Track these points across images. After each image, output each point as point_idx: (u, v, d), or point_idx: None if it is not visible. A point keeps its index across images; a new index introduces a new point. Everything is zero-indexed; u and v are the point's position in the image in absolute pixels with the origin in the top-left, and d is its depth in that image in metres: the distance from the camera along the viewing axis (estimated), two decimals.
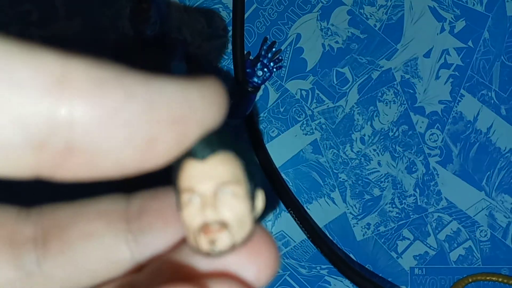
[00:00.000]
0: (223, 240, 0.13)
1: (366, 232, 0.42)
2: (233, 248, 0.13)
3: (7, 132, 0.10)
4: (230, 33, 0.42)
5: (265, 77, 0.42)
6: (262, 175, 0.41)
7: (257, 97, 0.42)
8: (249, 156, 0.14)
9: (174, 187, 0.14)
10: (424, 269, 0.42)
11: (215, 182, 0.13)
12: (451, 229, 0.42)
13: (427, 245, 0.42)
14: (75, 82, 0.10)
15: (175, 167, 0.13)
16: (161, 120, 0.11)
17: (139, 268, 0.15)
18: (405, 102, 0.42)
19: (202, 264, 0.13)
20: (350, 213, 0.42)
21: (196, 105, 0.12)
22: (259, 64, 0.41)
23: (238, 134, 0.42)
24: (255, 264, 0.13)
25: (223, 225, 0.13)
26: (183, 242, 0.14)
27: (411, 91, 0.42)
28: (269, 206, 0.42)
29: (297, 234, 0.42)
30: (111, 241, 0.14)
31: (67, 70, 0.10)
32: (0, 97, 0.10)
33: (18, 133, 0.10)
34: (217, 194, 0.13)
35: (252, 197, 0.14)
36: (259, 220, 0.14)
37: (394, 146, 0.42)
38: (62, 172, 0.11)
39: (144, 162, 0.11)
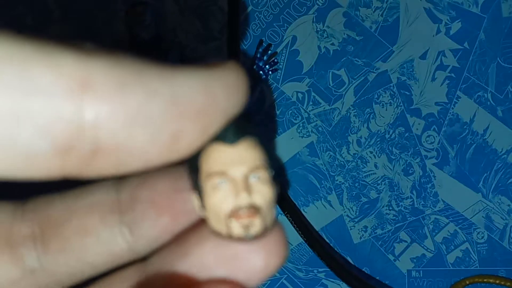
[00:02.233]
0: (257, 224, 0.13)
1: (363, 235, 0.42)
2: (265, 232, 0.13)
3: (32, 141, 0.10)
4: (226, 36, 0.42)
5: (260, 80, 0.41)
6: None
7: (253, 100, 0.42)
8: (266, 142, 0.14)
9: (194, 172, 0.13)
10: (421, 271, 0.42)
11: (248, 166, 0.13)
12: (448, 231, 0.42)
13: (424, 247, 0.42)
14: (96, 84, 0.10)
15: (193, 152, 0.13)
16: (185, 114, 0.11)
17: (140, 259, 0.14)
18: (401, 104, 0.42)
19: (200, 270, 0.13)
20: (347, 216, 0.42)
21: (219, 95, 0.11)
22: (254, 67, 0.41)
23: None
24: (263, 251, 0.13)
25: (256, 209, 0.13)
26: (178, 241, 0.14)
27: (407, 93, 0.42)
28: None
29: (294, 238, 0.42)
30: (106, 235, 0.14)
31: (88, 72, 0.10)
32: (23, 106, 0.09)
33: (44, 141, 0.10)
34: (247, 178, 0.13)
35: (274, 183, 0.14)
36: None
37: (390, 148, 0.42)
38: (88, 171, 0.11)
39: (169, 156, 0.11)
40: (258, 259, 0.13)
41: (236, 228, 0.13)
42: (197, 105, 0.11)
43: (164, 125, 0.11)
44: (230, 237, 0.13)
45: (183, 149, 0.11)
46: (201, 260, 0.13)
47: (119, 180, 0.15)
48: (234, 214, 0.13)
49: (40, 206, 0.14)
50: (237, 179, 0.13)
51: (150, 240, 0.14)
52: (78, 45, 0.10)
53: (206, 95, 0.11)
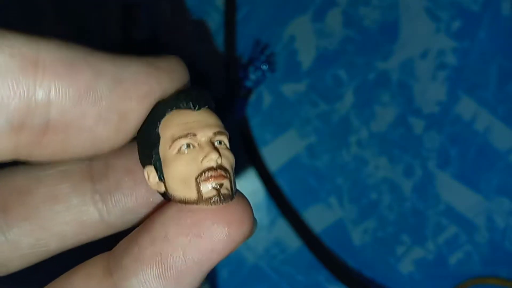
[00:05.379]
0: (227, 186, 0.13)
1: (363, 237, 0.42)
2: (232, 197, 0.13)
3: None
4: (223, 36, 0.41)
5: (258, 80, 0.41)
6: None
7: (251, 101, 0.42)
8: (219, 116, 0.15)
9: (148, 145, 0.13)
10: (423, 273, 0.41)
11: (213, 130, 0.13)
12: (450, 232, 0.41)
13: (426, 249, 0.42)
14: (48, 64, 0.11)
15: (150, 117, 0.13)
16: (131, 95, 0.12)
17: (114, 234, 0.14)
18: (401, 104, 0.42)
19: (163, 242, 0.13)
20: (347, 218, 0.42)
21: (161, 78, 0.12)
22: (252, 67, 0.40)
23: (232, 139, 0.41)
24: (226, 219, 0.13)
25: (226, 170, 0.13)
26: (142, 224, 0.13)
27: (408, 93, 0.42)
28: (266, 210, 0.42)
29: (294, 241, 0.41)
30: (78, 203, 0.14)
31: (39, 53, 0.11)
32: None
33: (0, 117, 0.10)
34: (213, 142, 0.13)
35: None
36: None
37: (391, 149, 0.42)
38: (39, 151, 0.11)
39: (117, 137, 0.12)
40: (221, 227, 0.12)
41: (208, 190, 0.12)
42: (143, 88, 0.12)
43: (112, 105, 0.11)
44: (201, 201, 0.12)
45: (130, 129, 0.12)
46: (164, 230, 0.12)
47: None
48: (205, 175, 0.12)
49: (1, 177, 0.14)
50: (204, 142, 0.13)
51: (124, 210, 0.14)
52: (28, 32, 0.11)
53: (149, 77, 0.12)
